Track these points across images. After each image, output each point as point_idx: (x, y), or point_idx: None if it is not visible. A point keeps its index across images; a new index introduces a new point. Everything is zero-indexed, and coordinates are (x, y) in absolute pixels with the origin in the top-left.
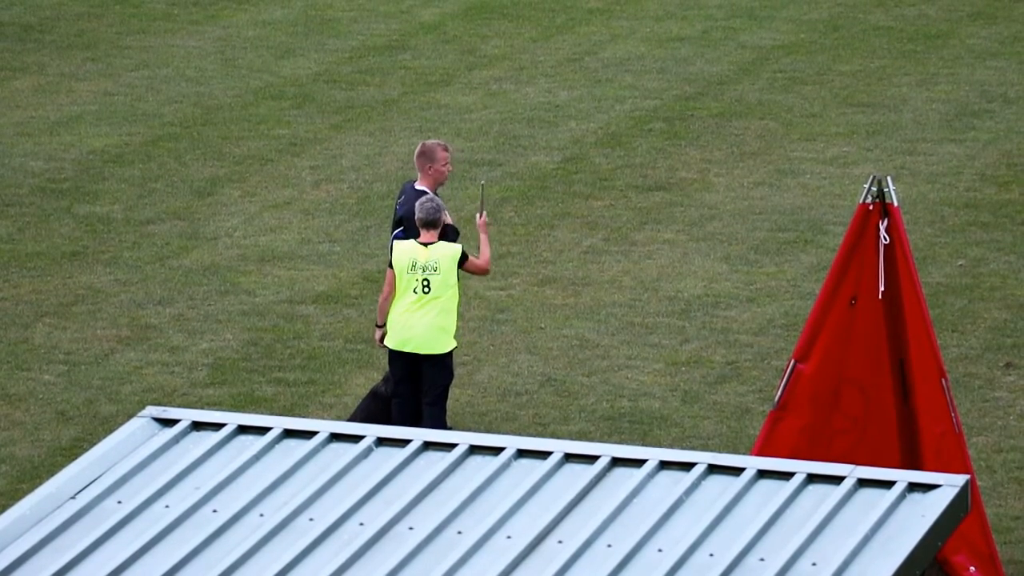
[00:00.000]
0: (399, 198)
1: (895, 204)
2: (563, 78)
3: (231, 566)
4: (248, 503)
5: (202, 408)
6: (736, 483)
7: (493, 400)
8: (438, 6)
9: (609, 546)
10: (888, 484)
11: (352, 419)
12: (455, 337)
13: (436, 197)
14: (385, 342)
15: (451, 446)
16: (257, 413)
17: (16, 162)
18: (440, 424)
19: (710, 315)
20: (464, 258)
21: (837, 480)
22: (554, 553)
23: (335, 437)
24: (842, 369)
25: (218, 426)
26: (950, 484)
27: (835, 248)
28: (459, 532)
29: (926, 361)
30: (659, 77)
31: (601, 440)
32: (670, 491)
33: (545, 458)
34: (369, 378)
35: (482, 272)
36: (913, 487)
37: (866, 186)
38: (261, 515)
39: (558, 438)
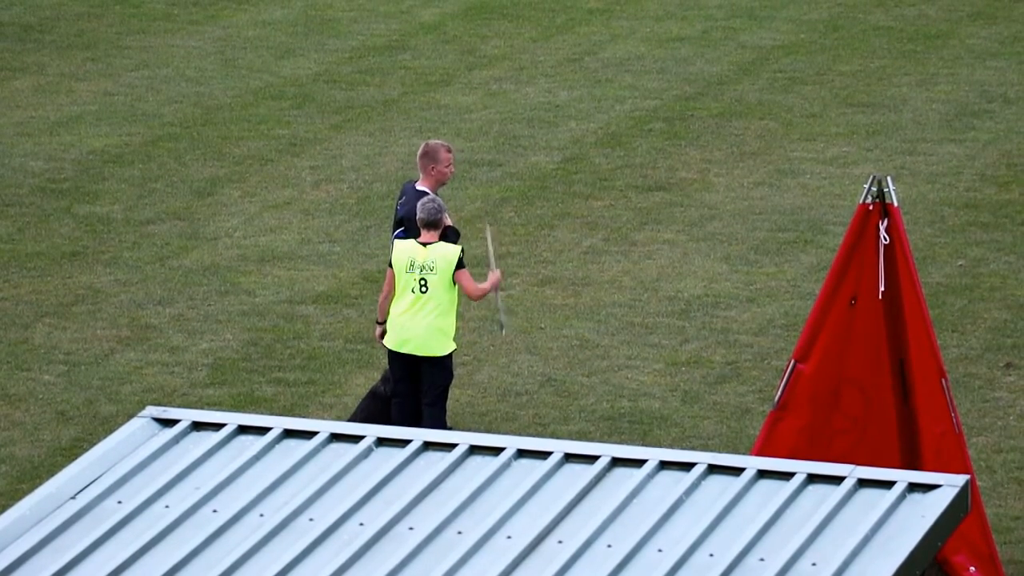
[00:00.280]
0: (400, 198)
1: (895, 204)
2: (563, 78)
3: (231, 566)
4: (248, 503)
5: (202, 408)
6: (736, 483)
7: (493, 400)
8: (438, 6)
9: (609, 546)
10: (888, 484)
11: (352, 419)
12: (455, 338)
13: (438, 198)
14: (384, 342)
15: (451, 446)
16: (257, 413)
17: (16, 162)
18: (440, 424)
19: (710, 315)
20: (461, 264)
21: (837, 480)
22: (554, 553)
23: (335, 437)
24: (842, 369)
25: (218, 426)
26: (950, 484)
27: (835, 248)
28: (459, 532)
29: (926, 361)
30: (659, 77)
31: (601, 440)
32: (670, 491)
33: (545, 458)
34: (369, 378)
35: (469, 293)
36: (913, 487)
37: (866, 186)
38: (261, 515)
39: (558, 438)
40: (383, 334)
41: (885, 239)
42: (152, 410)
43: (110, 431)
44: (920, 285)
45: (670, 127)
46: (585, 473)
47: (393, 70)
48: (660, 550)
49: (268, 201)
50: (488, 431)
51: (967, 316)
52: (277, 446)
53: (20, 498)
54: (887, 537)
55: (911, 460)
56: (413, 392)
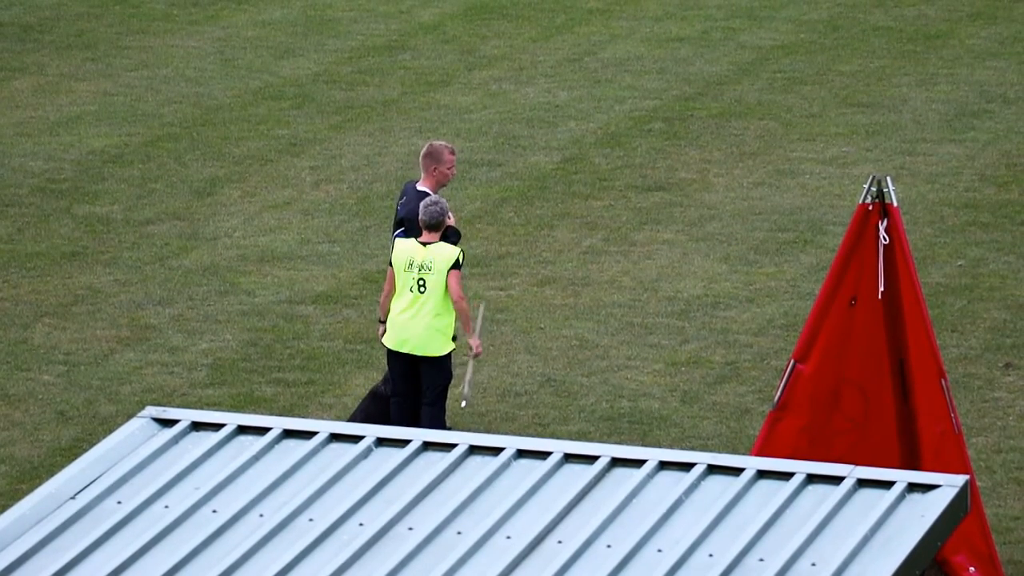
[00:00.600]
0: (400, 199)
1: (895, 204)
2: (563, 78)
3: (231, 566)
4: (248, 503)
5: (202, 408)
6: (736, 483)
7: (493, 400)
8: (438, 6)
9: (609, 546)
10: (888, 484)
11: (352, 419)
12: (453, 338)
13: (442, 200)
14: (384, 341)
15: (451, 446)
16: (257, 413)
17: (16, 162)
18: (439, 424)
19: (709, 315)
20: (457, 265)
21: (837, 480)
22: (554, 553)
23: (335, 437)
24: (842, 369)
25: (218, 426)
26: (949, 484)
27: (835, 248)
28: (459, 532)
29: (926, 361)
30: (659, 77)
31: (601, 440)
32: (670, 491)
33: (545, 458)
34: (368, 378)
35: (451, 295)
36: (912, 487)
37: (866, 186)
38: (261, 515)
39: (558, 438)
40: (385, 333)
41: (885, 239)
42: (152, 410)
43: (110, 431)
44: (920, 285)
45: (670, 127)
46: (585, 473)
47: (393, 70)
48: (660, 550)
49: (268, 201)
50: (488, 431)
51: (967, 316)
52: (277, 446)
53: (20, 498)
54: (887, 537)
55: (911, 460)
56: (412, 392)
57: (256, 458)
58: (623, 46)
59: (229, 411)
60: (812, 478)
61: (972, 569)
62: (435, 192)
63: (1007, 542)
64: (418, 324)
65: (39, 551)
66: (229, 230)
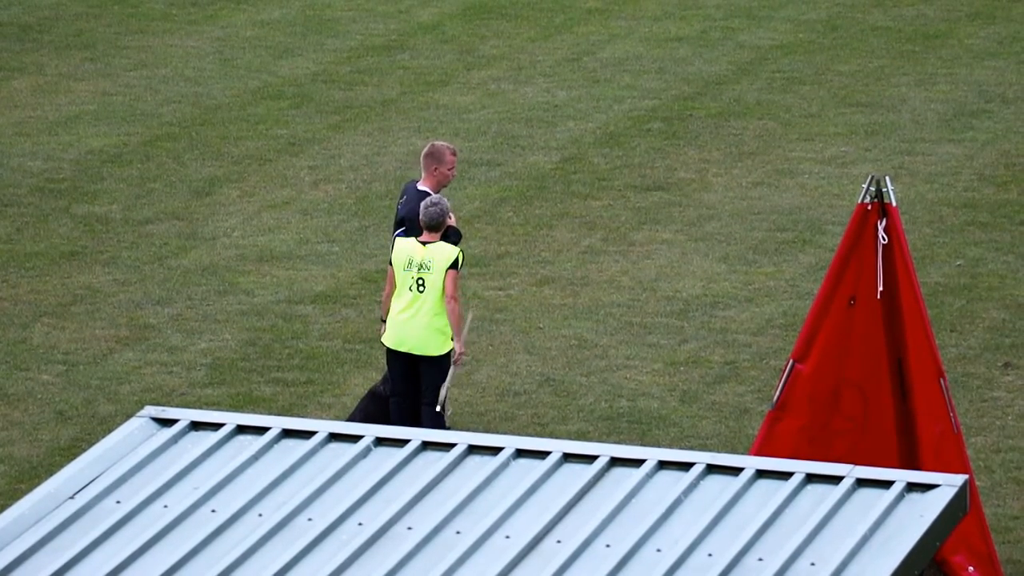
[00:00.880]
0: (401, 198)
1: (893, 204)
2: (561, 78)
3: (230, 566)
4: (247, 503)
5: (201, 408)
6: (735, 483)
7: (492, 400)
8: (436, 6)
9: (608, 546)
10: (887, 484)
11: (351, 419)
12: (452, 338)
13: (443, 200)
14: (383, 340)
15: (450, 446)
16: (256, 413)
17: (14, 162)
18: (438, 424)
19: (708, 315)
20: (455, 265)
21: (836, 480)
22: (553, 553)
23: (334, 437)
24: (841, 369)
25: (217, 426)
26: (949, 484)
27: (833, 248)
28: (458, 532)
29: (924, 361)
30: (657, 77)
31: (600, 440)
32: (669, 491)
33: (544, 458)
34: (368, 378)
35: (447, 294)
36: (912, 487)
37: (864, 186)
38: (260, 515)
39: (557, 438)
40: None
41: (884, 239)
42: (151, 410)
43: (109, 431)
44: (918, 285)
45: (668, 127)
46: (584, 473)
47: (391, 70)
48: (659, 550)
49: (267, 201)
50: (487, 431)
51: (965, 316)
52: (276, 446)
53: (19, 498)
54: (886, 537)
55: (910, 460)
56: (411, 391)
57: (255, 458)
58: (622, 46)
59: (228, 411)
60: (811, 478)
61: (971, 569)
62: (435, 192)
63: (1006, 541)
64: (417, 324)
65: (38, 551)
66: (228, 230)
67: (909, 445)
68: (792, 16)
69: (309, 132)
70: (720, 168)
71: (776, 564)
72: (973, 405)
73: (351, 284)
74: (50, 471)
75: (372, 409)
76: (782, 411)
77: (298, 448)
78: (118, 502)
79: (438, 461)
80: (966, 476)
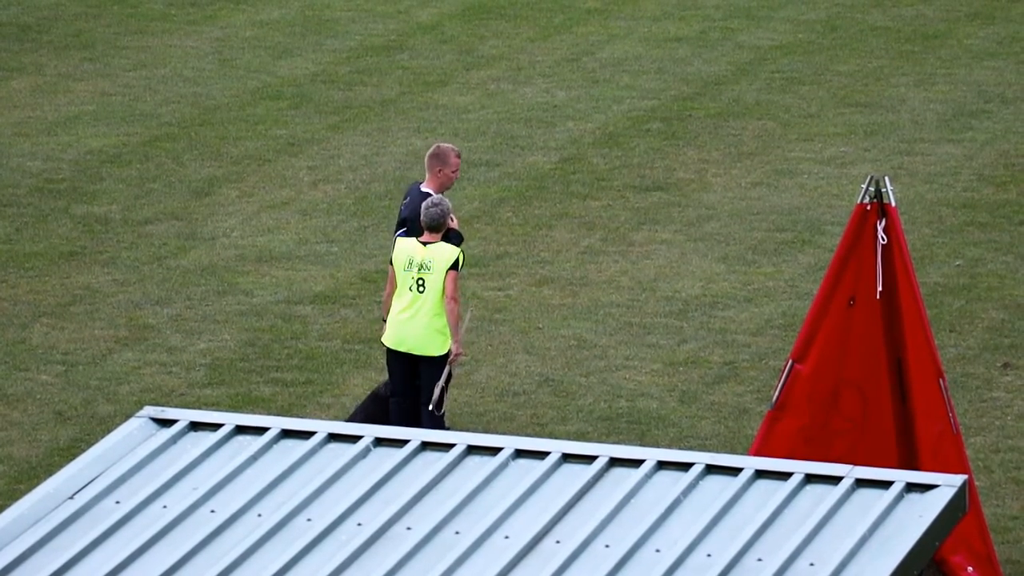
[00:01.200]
0: (404, 199)
1: (893, 204)
2: (561, 78)
3: (229, 566)
4: (246, 503)
5: (200, 408)
6: (734, 483)
7: (491, 400)
8: (436, 6)
9: (607, 546)
10: (886, 484)
11: (351, 420)
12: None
13: (445, 200)
14: (383, 340)
15: (449, 446)
16: (255, 413)
17: (14, 162)
18: (438, 425)
19: (708, 315)
20: (456, 266)
21: (835, 480)
22: (552, 553)
23: (333, 437)
24: (840, 369)
25: (216, 426)
26: (948, 484)
27: (833, 248)
28: (457, 532)
29: (924, 361)
30: (657, 77)
31: (599, 440)
32: (668, 491)
33: (543, 458)
34: (367, 378)
35: (447, 294)
36: (911, 487)
37: (864, 186)
38: (259, 515)
39: (556, 438)
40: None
41: (883, 239)
42: (150, 410)
43: (108, 431)
44: (918, 285)
45: (668, 127)
46: (583, 473)
47: (391, 70)
48: (658, 550)
49: (266, 201)
50: (486, 431)
51: (965, 316)
52: (275, 446)
53: (18, 498)
54: (885, 537)
55: (909, 460)
56: (411, 391)
57: (254, 458)
58: (621, 46)
59: (227, 411)
60: (810, 478)
61: (970, 569)
62: (439, 193)
63: (1005, 542)
64: (416, 324)
65: (37, 551)
66: (227, 230)
67: (908, 445)
68: (791, 16)
69: (308, 132)
70: (719, 168)
71: (775, 564)
72: (972, 405)
73: (350, 284)
74: (49, 471)
75: (373, 410)
76: (781, 411)
77: (297, 448)
78: (117, 502)
79: (437, 461)
80: (965, 476)
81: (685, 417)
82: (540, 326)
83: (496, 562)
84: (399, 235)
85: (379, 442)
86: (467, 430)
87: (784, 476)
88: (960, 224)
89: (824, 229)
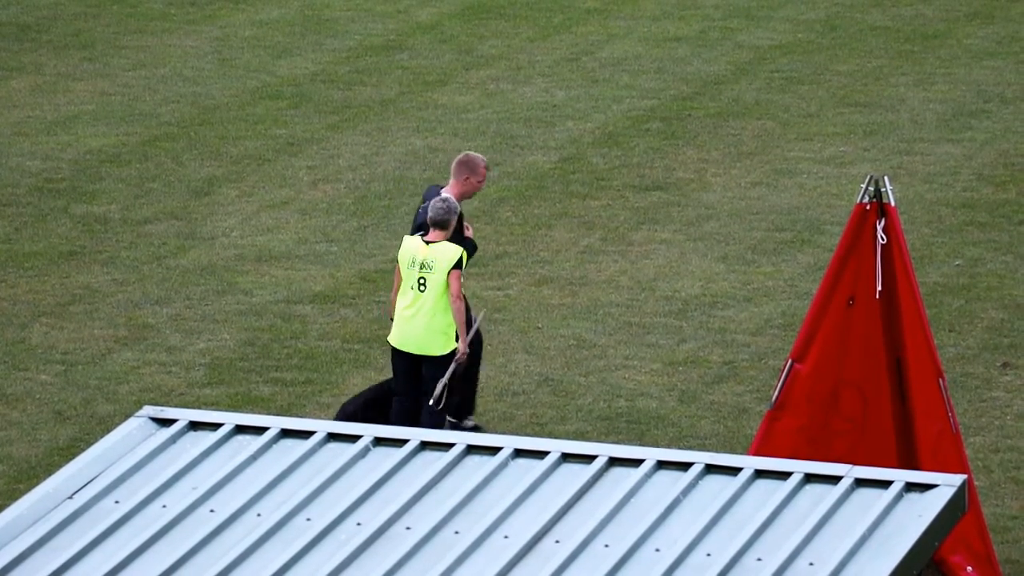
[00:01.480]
0: (422, 202)
1: (892, 204)
2: (560, 78)
3: (228, 566)
4: (245, 503)
5: (199, 408)
6: (733, 483)
7: (490, 400)
8: (435, 6)
9: (606, 546)
10: (885, 484)
11: (350, 403)
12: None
13: (450, 199)
14: (388, 338)
15: (448, 446)
16: (254, 413)
17: (13, 162)
18: (437, 424)
19: (707, 315)
20: (458, 265)
21: (834, 480)
22: (551, 553)
23: (332, 437)
24: (839, 369)
25: (215, 426)
26: (947, 484)
27: (832, 248)
28: (456, 532)
29: (923, 361)
30: (656, 77)
31: (598, 440)
32: (667, 491)
33: (542, 458)
34: (366, 378)
35: (450, 293)
36: (910, 487)
37: (863, 186)
38: (258, 515)
39: (555, 438)
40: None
41: (882, 239)
42: (149, 410)
43: (107, 431)
44: (917, 285)
45: (667, 127)
46: (582, 473)
47: (390, 70)
48: (657, 550)
49: (265, 201)
50: (485, 431)
51: (964, 316)
52: (274, 446)
53: (17, 498)
54: (884, 537)
55: (908, 460)
56: (413, 391)
57: (254, 457)
58: (621, 46)
59: (227, 411)
60: (810, 477)
61: (969, 569)
62: (459, 200)
63: (1004, 541)
64: (418, 323)
65: (37, 550)
66: (227, 230)
67: (908, 445)
68: (791, 16)
69: (308, 132)
70: (719, 168)
71: (775, 564)
72: (972, 405)
73: (349, 284)
74: (49, 471)
75: (375, 398)
76: (781, 411)
77: (297, 448)
78: (117, 502)
79: (437, 461)
80: (964, 476)
81: (684, 417)
82: (539, 326)
83: (495, 562)
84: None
85: (378, 442)
86: (466, 430)
87: (783, 476)
88: (959, 224)
89: (823, 229)
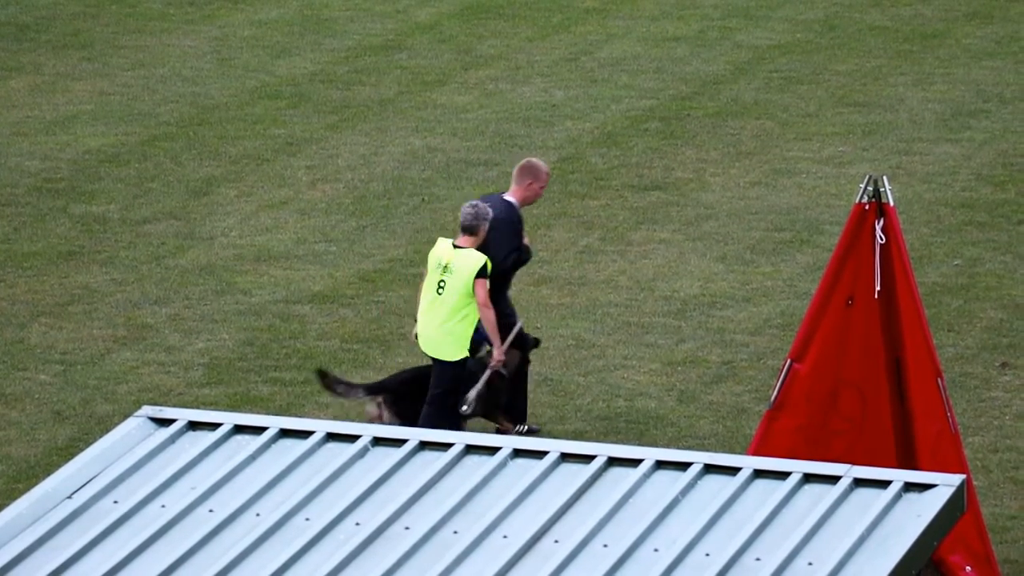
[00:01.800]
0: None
1: (891, 204)
2: (559, 78)
3: (227, 566)
4: (244, 503)
5: (198, 408)
6: (732, 483)
7: None
8: (434, 6)
9: (605, 546)
10: (884, 484)
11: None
12: (473, 350)
13: (482, 204)
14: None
15: (447, 446)
16: (253, 413)
17: (12, 162)
18: (434, 425)
19: (706, 315)
20: (483, 273)
21: (833, 480)
22: (550, 553)
23: (331, 437)
24: (838, 369)
25: (214, 426)
26: (946, 484)
27: (831, 248)
28: (455, 532)
29: (922, 361)
30: (655, 77)
31: (597, 440)
32: (666, 491)
33: (541, 458)
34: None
35: (477, 302)
36: (909, 487)
37: (862, 186)
38: (257, 515)
39: (554, 438)
40: None
41: (881, 239)
42: (148, 409)
43: (106, 431)
44: (916, 285)
45: (666, 127)
46: (581, 473)
47: (389, 70)
48: (656, 549)
49: (264, 201)
50: (484, 431)
51: (963, 316)
52: (273, 446)
53: (16, 497)
54: (883, 536)
55: (907, 460)
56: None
57: (253, 457)
58: (619, 45)
59: (226, 410)
60: (809, 477)
61: (968, 568)
62: (521, 206)
63: (1003, 541)
64: (431, 325)
65: (36, 550)
66: (225, 229)
67: (906, 445)
68: (789, 16)
69: (307, 132)
70: (718, 168)
71: (774, 564)
72: (971, 405)
73: (348, 284)
74: (48, 471)
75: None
76: (779, 411)
77: (296, 448)
78: (116, 502)
79: (435, 461)
80: (963, 476)
81: (683, 417)
82: (539, 325)
83: (494, 561)
84: (512, 254)
85: (377, 441)
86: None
87: (782, 476)
88: (958, 224)
89: (822, 229)
